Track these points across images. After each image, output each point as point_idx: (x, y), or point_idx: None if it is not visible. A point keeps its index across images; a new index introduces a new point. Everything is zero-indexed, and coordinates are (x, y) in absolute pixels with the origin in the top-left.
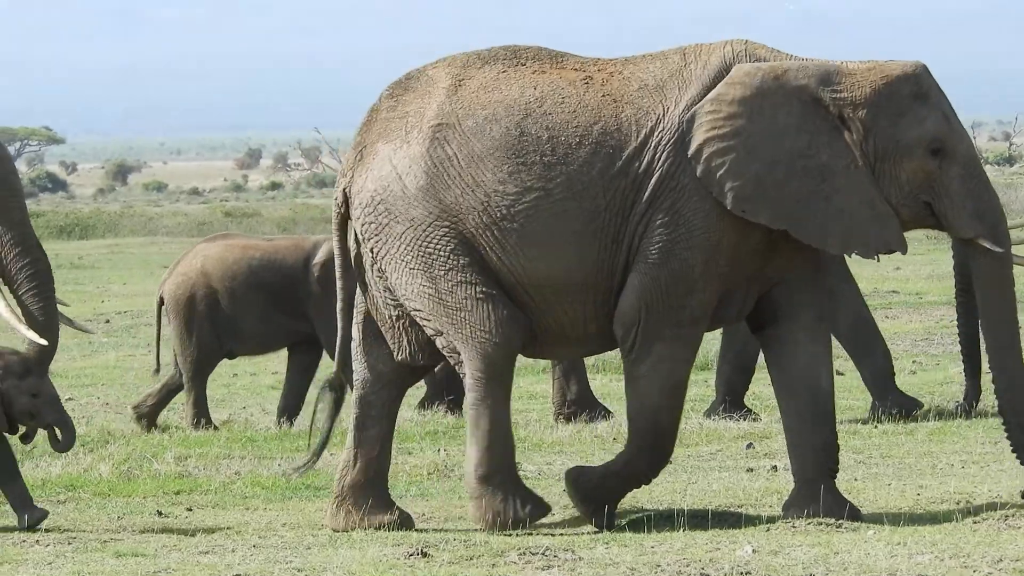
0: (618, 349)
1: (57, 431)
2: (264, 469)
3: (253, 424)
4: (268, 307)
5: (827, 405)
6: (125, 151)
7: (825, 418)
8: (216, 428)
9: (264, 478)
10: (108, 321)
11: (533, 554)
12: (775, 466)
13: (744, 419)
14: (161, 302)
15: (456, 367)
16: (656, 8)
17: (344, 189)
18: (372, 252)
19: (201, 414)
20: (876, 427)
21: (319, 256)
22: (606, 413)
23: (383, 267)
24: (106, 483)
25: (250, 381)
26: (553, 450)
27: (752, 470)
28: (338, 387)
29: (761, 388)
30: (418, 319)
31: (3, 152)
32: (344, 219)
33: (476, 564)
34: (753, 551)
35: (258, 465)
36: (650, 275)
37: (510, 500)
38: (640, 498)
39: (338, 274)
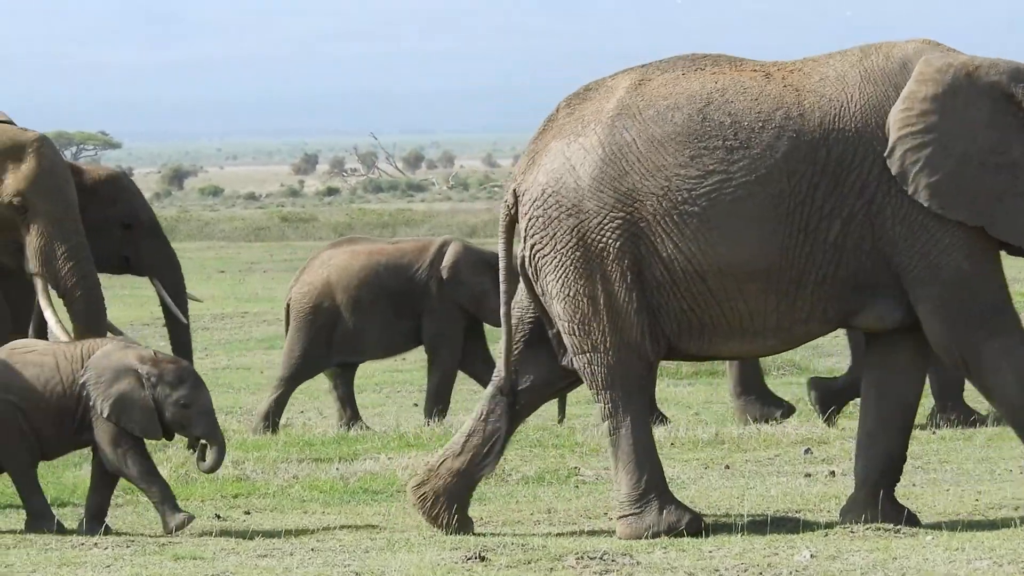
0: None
1: (208, 448)
2: (322, 473)
3: (311, 428)
4: (392, 312)
5: (909, 417)
6: (181, 156)
7: (903, 429)
8: (275, 432)
9: (322, 482)
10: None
11: (591, 558)
12: (833, 471)
13: (767, 420)
14: (288, 309)
15: (587, 378)
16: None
17: (514, 189)
18: (532, 248)
19: (275, 415)
20: (934, 433)
21: (447, 259)
22: (663, 419)
23: (540, 265)
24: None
25: (307, 385)
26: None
27: (810, 475)
28: (508, 391)
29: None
30: (561, 325)
31: (58, 162)
32: (512, 221)
33: (534, 568)
34: (811, 556)
35: (316, 469)
36: (929, 294)
37: (665, 515)
38: (699, 503)
39: (502, 276)
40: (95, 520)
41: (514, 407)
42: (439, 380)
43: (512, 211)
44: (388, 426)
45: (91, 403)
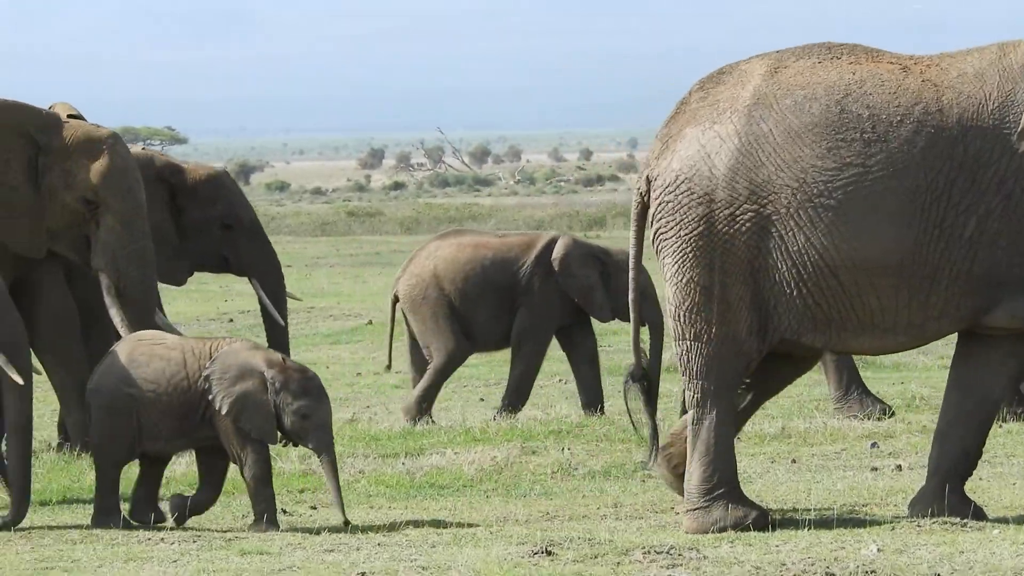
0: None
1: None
2: (388, 468)
3: (377, 423)
4: (499, 306)
5: (990, 414)
6: (247, 151)
7: (982, 426)
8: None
9: (388, 476)
10: (232, 320)
11: (658, 553)
12: (899, 465)
13: (868, 418)
14: (395, 300)
15: (681, 365)
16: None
17: (647, 175)
18: (657, 231)
19: (427, 404)
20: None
21: (556, 252)
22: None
23: (661, 247)
24: (231, 481)
25: (374, 380)
26: None
27: (876, 469)
28: (640, 376)
29: (886, 388)
30: (668, 308)
31: (130, 161)
32: (644, 208)
33: (601, 563)
34: (878, 550)
35: (382, 464)
36: None
37: (732, 510)
38: (765, 497)
39: (632, 264)
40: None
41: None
42: (521, 374)
43: (644, 197)
44: (454, 420)
45: (212, 398)
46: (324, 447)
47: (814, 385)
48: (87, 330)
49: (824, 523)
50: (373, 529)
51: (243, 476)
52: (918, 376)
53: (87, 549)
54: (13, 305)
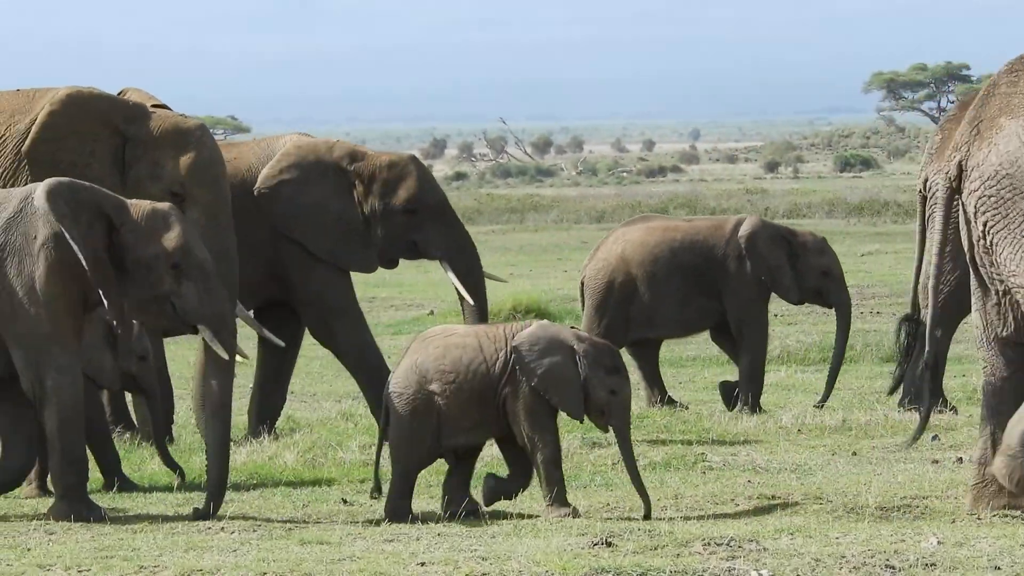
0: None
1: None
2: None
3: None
4: (688, 290)
5: None
6: None
7: None
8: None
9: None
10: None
11: (718, 544)
12: (960, 458)
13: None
14: (583, 286)
15: None
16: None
17: (960, 162)
18: (984, 226)
19: None
20: None
21: (743, 231)
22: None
23: (994, 241)
24: (291, 471)
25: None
26: (737, 440)
27: (937, 462)
28: (932, 363)
29: (947, 381)
30: (1020, 297)
31: (216, 155)
32: (952, 193)
33: (661, 554)
34: (938, 543)
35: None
36: None
37: None
38: (826, 490)
39: (935, 250)
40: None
41: (1017, 389)
42: (751, 361)
43: (954, 182)
44: None
45: (518, 374)
46: (624, 425)
47: (875, 378)
48: None
49: (884, 516)
50: (433, 519)
51: (533, 460)
52: (979, 369)
53: (147, 538)
54: (219, 282)
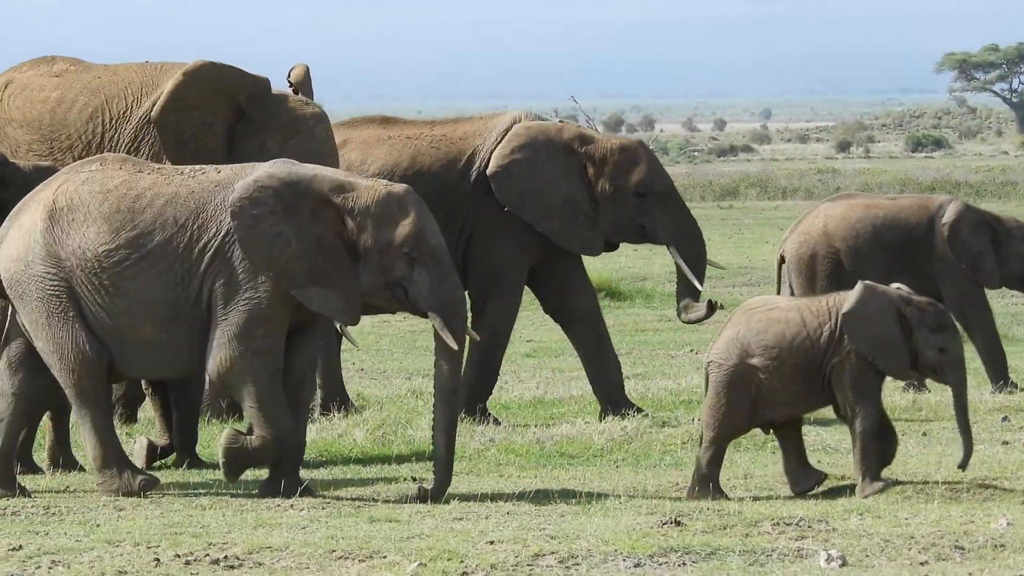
0: None
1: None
2: (518, 437)
3: (508, 391)
4: (890, 267)
5: None
6: None
7: None
8: None
9: (518, 445)
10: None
11: (787, 524)
12: None
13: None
14: (781, 261)
15: None
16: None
17: None
18: None
19: None
20: None
21: (947, 216)
22: None
23: None
24: (360, 448)
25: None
26: (807, 420)
27: (1008, 443)
28: None
29: (1016, 362)
30: None
31: (328, 145)
32: None
33: (729, 533)
34: (1008, 524)
35: (512, 433)
36: None
37: None
38: (895, 470)
39: None
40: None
41: None
42: (985, 337)
43: None
44: (584, 390)
45: (846, 341)
46: (960, 382)
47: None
48: None
49: (954, 496)
50: (502, 498)
51: (853, 430)
52: None
53: (216, 514)
54: (454, 269)
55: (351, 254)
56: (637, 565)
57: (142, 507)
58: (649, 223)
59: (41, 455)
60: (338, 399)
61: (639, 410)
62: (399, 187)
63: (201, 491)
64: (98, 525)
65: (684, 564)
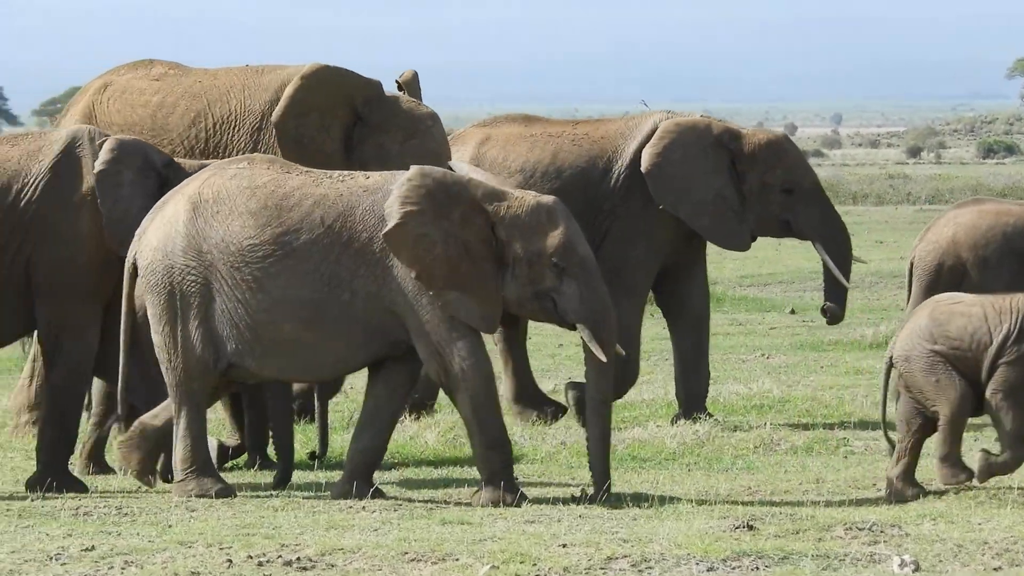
0: None
1: None
2: None
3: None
4: (1020, 274)
5: None
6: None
7: None
8: None
9: None
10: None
11: (860, 529)
12: None
13: None
14: (911, 267)
15: None
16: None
17: None
18: None
19: None
20: None
21: None
22: None
23: None
24: (432, 451)
25: (575, 352)
26: (879, 425)
27: None
28: None
29: None
30: None
31: (444, 147)
32: None
33: (802, 538)
34: None
35: (584, 435)
36: None
37: None
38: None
39: None
40: None
41: None
42: None
43: None
44: (656, 394)
45: (1020, 341)
46: None
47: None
48: None
49: None
50: (574, 501)
51: (1001, 430)
52: None
53: (288, 516)
54: (603, 280)
55: (497, 263)
56: (710, 569)
57: (214, 508)
58: (794, 219)
59: (114, 456)
60: (430, 403)
61: (710, 415)
62: (548, 198)
63: (273, 492)
64: (171, 526)
65: (757, 568)
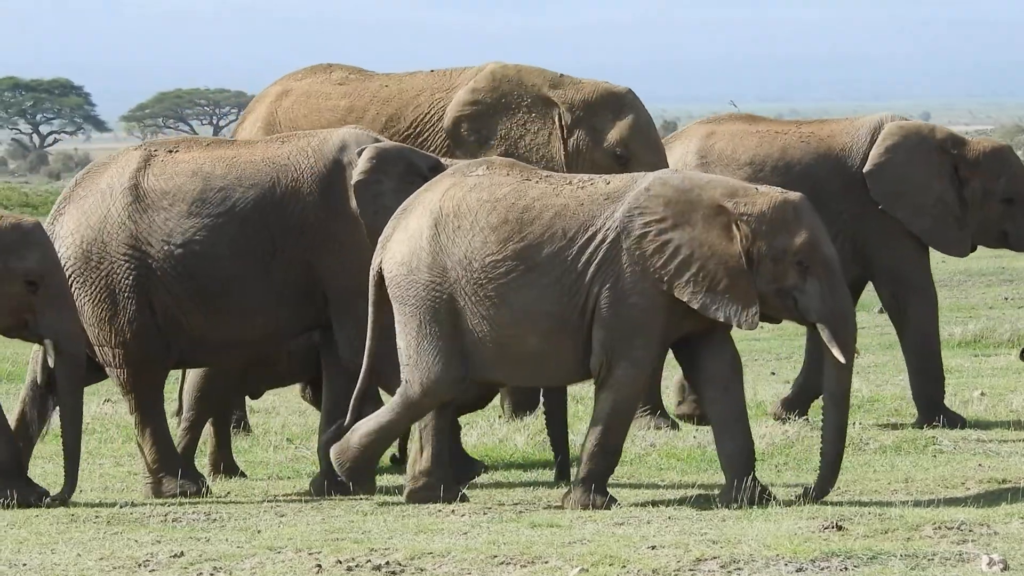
0: None
1: None
2: (679, 441)
3: (666, 396)
4: None
5: None
6: None
7: None
8: None
9: (679, 450)
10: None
11: (948, 528)
12: None
13: None
14: None
15: None
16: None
17: None
18: None
19: None
20: None
21: None
22: None
23: None
24: (521, 453)
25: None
26: (968, 424)
27: None
28: None
29: None
30: None
31: (649, 116)
32: None
33: (891, 538)
34: None
35: (673, 437)
36: None
37: None
38: None
39: None
40: None
41: None
42: None
43: None
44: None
45: None
46: None
47: None
48: None
49: None
50: (664, 502)
51: None
52: None
53: (377, 520)
54: (844, 280)
55: (745, 259)
56: (799, 570)
57: (303, 513)
58: (1013, 229)
59: (203, 461)
60: (529, 408)
61: (961, 420)
62: (794, 195)
63: (362, 496)
64: (259, 531)
65: (846, 568)
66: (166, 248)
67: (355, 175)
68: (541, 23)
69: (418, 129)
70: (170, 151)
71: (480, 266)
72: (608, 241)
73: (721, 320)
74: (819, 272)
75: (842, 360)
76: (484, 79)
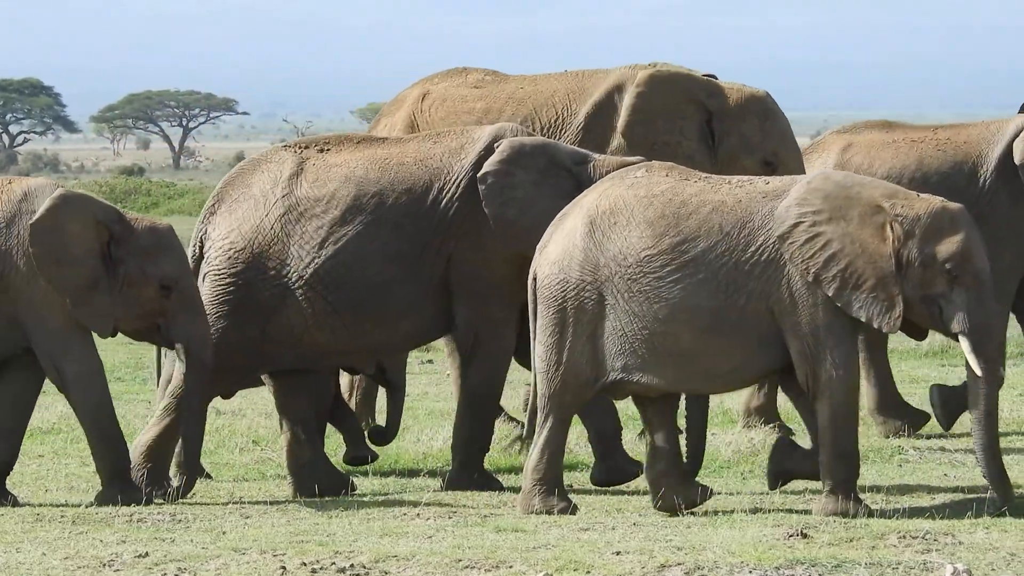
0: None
1: None
2: (643, 447)
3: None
4: None
5: None
6: None
7: None
8: None
9: (643, 456)
10: None
11: (913, 537)
12: None
13: None
14: None
15: None
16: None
17: None
18: None
19: None
20: None
21: None
22: None
23: None
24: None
25: None
26: (934, 433)
27: None
28: None
29: None
30: None
31: (787, 119)
32: None
33: (856, 546)
34: None
35: (637, 444)
36: None
37: None
38: (1023, 483)
39: None
40: None
41: None
42: None
43: None
44: (712, 402)
45: None
46: None
47: None
48: None
49: None
50: (629, 509)
51: None
52: None
53: (342, 523)
54: (993, 296)
55: (894, 261)
56: None
57: (268, 515)
58: None
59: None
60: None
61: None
62: (955, 205)
63: (327, 499)
64: (224, 532)
65: None
66: (316, 256)
67: (485, 166)
68: (534, 25)
69: (551, 131)
70: (320, 150)
71: (635, 260)
72: (764, 236)
73: (863, 320)
74: (968, 282)
75: (978, 372)
76: (645, 84)
